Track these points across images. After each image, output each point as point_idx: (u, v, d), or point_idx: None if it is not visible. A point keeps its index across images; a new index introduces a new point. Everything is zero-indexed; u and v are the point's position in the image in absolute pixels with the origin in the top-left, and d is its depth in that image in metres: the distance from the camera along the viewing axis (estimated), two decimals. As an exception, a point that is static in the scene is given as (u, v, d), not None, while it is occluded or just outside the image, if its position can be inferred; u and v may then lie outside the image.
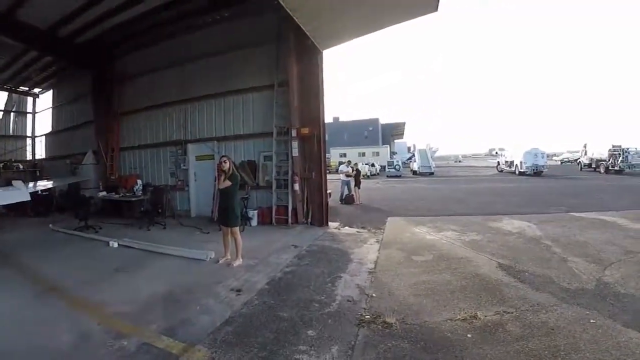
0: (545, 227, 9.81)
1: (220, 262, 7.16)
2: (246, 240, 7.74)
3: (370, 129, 73.94)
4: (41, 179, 17.99)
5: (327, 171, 11.85)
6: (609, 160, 34.89)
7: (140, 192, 13.51)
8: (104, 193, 14.39)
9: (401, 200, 17.15)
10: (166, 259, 7.54)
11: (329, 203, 15.79)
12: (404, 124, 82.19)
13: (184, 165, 13.98)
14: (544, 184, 25.53)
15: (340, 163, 21.52)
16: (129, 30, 13.33)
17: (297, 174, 10.51)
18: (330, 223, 10.63)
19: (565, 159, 58.51)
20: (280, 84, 10.92)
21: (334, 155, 53.67)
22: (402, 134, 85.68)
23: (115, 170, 15.50)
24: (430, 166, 41.30)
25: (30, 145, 22.68)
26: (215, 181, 12.41)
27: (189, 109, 13.72)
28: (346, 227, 10.45)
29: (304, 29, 8.99)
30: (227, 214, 7.20)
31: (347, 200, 16.40)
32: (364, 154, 55.81)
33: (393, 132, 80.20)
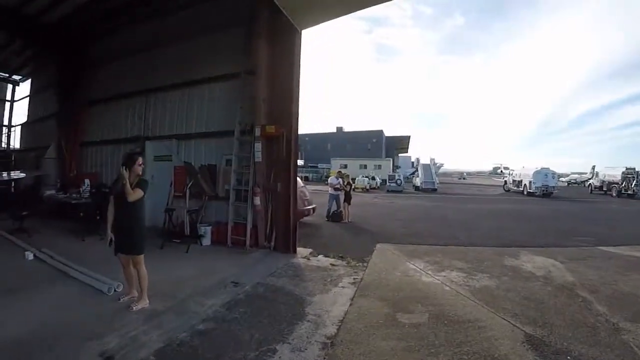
0: (576, 267, 7.79)
1: (122, 300, 5.17)
2: (177, 267, 6.73)
3: (374, 140, 72.65)
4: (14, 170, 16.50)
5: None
6: (622, 183, 33.65)
7: (88, 193, 11.46)
8: (53, 192, 12.71)
9: (398, 221, 14.78)
10: (70, 284, 5.85)
11: (312, 219, 13.81)
12: (408, 137, 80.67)
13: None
14: (557, 207, 23.57)
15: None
16: (97, 11, 11.69)
17: (258, 184, 8.21)
18: (299, 249, 8.29)
19: (572, 180, 57.19)
20: (248, 72, 8.67)
21: (334, 166, 52.71)
22: (407, 147, 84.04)
23: (74, 167, 13.76)
24: (433, 182, 39.29)
25: (6, 135, 21.17)
26: (170, 186, 10.27)
27: (150, 100, 11.67)
28: (319, 256, 8.09)
29: (277, 3, 7.17)
30: (131, 237, 5.01)
31: (335, 217, 14.03)
32: (365, 166, 54.71)
33: (397, 145, 78.75)
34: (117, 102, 12.61)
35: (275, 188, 8.14)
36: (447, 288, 6.22)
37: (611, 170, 36.44)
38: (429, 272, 7.10)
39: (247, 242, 8.24)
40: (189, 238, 8.76)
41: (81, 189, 11.60)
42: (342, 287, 6.10)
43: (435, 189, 38.53)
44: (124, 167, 4.79)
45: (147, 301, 4.97)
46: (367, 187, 37.44)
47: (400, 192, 36.48)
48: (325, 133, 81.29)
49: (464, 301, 5.62)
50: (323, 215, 14.30)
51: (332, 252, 8.43)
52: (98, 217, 10.37)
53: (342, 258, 7.93)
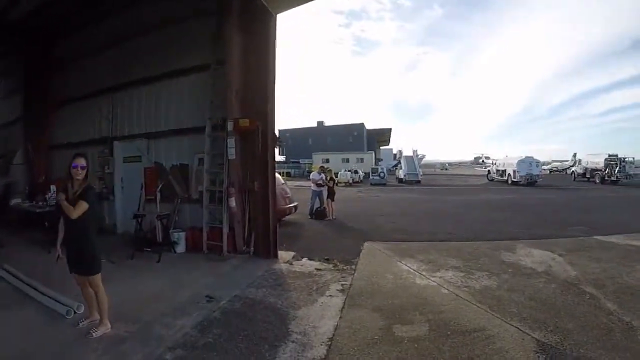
0: (576, 260, 7.36)
1: (82, 325, 4.39)
2: (147, 280, 6.09)
3: (355, 134, 72.30)
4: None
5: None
6: (605, 170, 33.63)
7: (54, 201, 10.64)
8: (19, 200, 11.72)
9: (385, 215, 14.19)
10: (28, 305, 5.04)
11: (295, 217, 13.15)
12: (389, 130, 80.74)
13: (109, 169, 11.02)
14: (544, 195, 23.43)
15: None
16: (61, 7, 10.62)
17: (233, 184, 7.51)
18: (281, 253, 7.64)
19: (554, 168, 57.56)
20: (219, 62, 7.94)
21: (316, 161, 52.26)
22: (388, 140, 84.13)
23: (42, 173, 12.68)
24: (417, 174, 38.91)
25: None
26: (141, 189, 9.51)
27: (118, 98, 10.79)
28: (303, 260, 7.45)
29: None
30: (81, 257, 4.25)
31: (318, 214, 13.38)
32: (347, 160, 54.11)
33: (379, 138, 78.72)
34: (85, 102, 11.68)
35: (251, 187, 7.45)
36: (445, 291, 5.66)
37: (594, 157, 36.48)
38: (424, 272, 6.53)
39: (224, 248, 7.55)
40: (162, 245, 8.02)
41: (47, 196, 10.74)
42: (329, 296, 5.48)
43: (419, 181, 38.17)
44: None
45: (109, 326, 4.27)
46: (350, 181, 36.85)
47: (384, 185, 36.00)
48: (306, 128, 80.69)
49: (465, 306, 5.06)
50: (306, 213, 13.67)
51: (317, 255, 7.81)
52: None
53: (328, 261, 7.31)
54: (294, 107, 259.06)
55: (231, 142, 7.33)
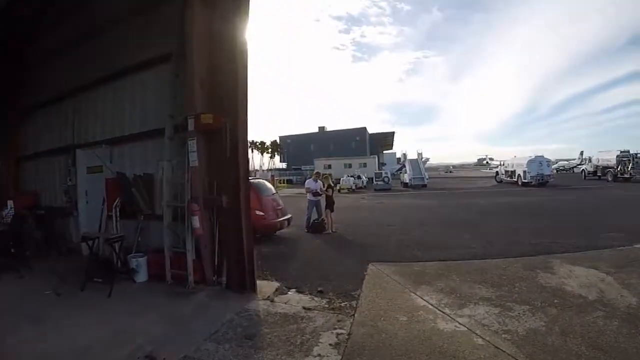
0: (629, 279, 5.98)
1: None
2: (84, 324, 4.76)
3: (358, 138, 71.39)
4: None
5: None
6: (618, 167, 32.29)
7: (10, 218, 9.34)
8: None
9: (392, 227, 12.52)
10: None
11: (289, 231, 11.55)
12: (392, 134, 79.70)
13: (71, 181, 9.58)
14: (559, 197, 21.93)
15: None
16: (22, 10, 9.50)
17: (196, 199, 5.90)
18: (262, 284, 6.01)
19: (561, 167, 56.13)
20: (181, 47, 6.37)
21: (317, 167, 51.03)
22: (391, 144, 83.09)
23: (11, 187, 11.33)
24: (423, 178, 37.41)
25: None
26: (103, 204, 8.05)
27: (80, 101, 9.36)
28: (290, 293, 5.81)
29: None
30: None
31: (315, 227, 11.71)
32: (350, 165, 53.11)
33: (382, 142, 77.73)
34: (50, 108, 10.38)
35: (219, 202, 5.83)
36: (480, 341, 4.05)
37: (605, 154, 35.03)
38: (447, 310, 4.91)
39: (189, 279, 5.94)
40: (117, 274, 6.48)
41: (3, 213, 9.38)
42: (318, 356, 3.85)
43: (425, 185, 36.68)
44: None
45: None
46: (353, 187, 35.25)
47: (389, 190, 34.56)
48: (308, 133, 79.87)
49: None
50: (302, 225, 12.05)
51: (309, 283, 6.23)
52: (12, 250, 8.27)
53: (321, 294, 5.69)
54: (295, 114, 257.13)
55: (192, 144, 5.75)
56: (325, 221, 11.79)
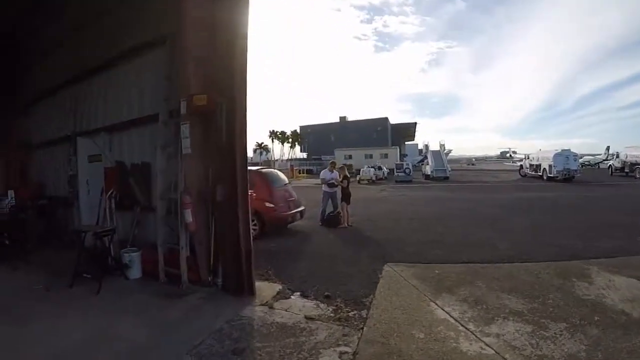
0: None
1: None
2: (65, 325, 4.40)
3: (379, 129, 70.28)
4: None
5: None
6: None
7: (7, 209, 9.02)
8: None
9: (411, 221, 11.80)
10: None
11: (302, 223, 10.93)
12: (415, 124, 78.35)
13: (71, 170, 9.09)
14: (587, 193, 20.64)
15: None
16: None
17: (189, 190, 5.30)
18: (262, 286, 5.42)
19: (586, 162, 54.23)
20: (176, 24, 5.75)
21: (338, 157, 50.40)
22: (413, 135, 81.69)
23: (18, 177, 11.08)
24: (445, 170, 36.35)
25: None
26: (101, 195, 7.57)
27: (82, 88, 8.89)
28: (292, 298, 5.17)
29: None
30: None
31: (330, 221, 11.03)
32: (371, 156, 52.34)
33: (403, 133, 76.52)
34: (54, 96, 10.00)
35: (214, 195, 5.22)
36: (512, 367, 3.34)
37: (634, 150, 33.19)
38: (471, 326, 4.21)
39: (183, 278, 5.38)
40: (107, 271, 6.02)
41: (3, 203, 9.04)
42: (316, 383, 3.22)
43: (447, 177, 35.61)
44: None
45: None
46: (373, 179, 34.36)
47: (410, 182, 33.61)
48: (329, 123, 79.09)
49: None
50: (316, 218, 11.41)
51: (316, 286, 5.58)
52: (7, 242, 8.08)
53: (328, 299, 5.04)
54: (316, 104, 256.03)
55: (185, 129, 5.14)
56: (341, 214, 11.10)
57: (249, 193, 6.88)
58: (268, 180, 9.99)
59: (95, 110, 8.48)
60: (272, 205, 9.37)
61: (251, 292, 5.04)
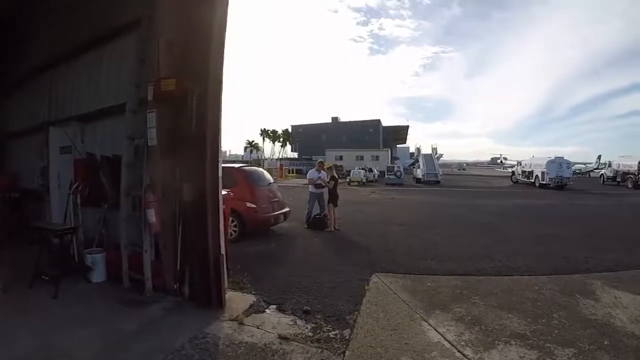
0: None
1: None
2: (8, 334, 3.84)
3: (371, 130, 70.15)
4: None
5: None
6: (639, 174, 30.16)
7: None
8: None
9: (402, 226, 11.25)
10: None
11: (287, 225, 10.35)
12: (407, 127, 78.56)
13: (43, 162, 8.46)
14: (582, 201, 20.40)
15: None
16: None
17: (154, 187, 4.71)
18: (233, 297, 4.82)
19: (577, 170, 54.34)
20: (153, 11, 5.16)
21: (329, 158, 50.05)
22: (405, 138, 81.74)
23: None
24: (436, 174, 36.16)
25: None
26: (70, 188, 6.93)
27: (55, 74, 8.24)
28: (267, 312, 4.58)
29: None
30: None
31: (316, 223, 10.47)
32: (362, 158, 52.26)
33: (395, 135, 76.45)
34: (31, 84, 9.32)
35: (180, 193, 4.62)
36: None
37: (626, 159, 33.00)
38: (468, 351, 3.68)
39: (147, 286, 4.80)
40: (76, 271, 5.47)
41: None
42: None
43: (439, 181, 35.47)
44: None
45: None
46: (364, 180, 33.95)
47: (401, 184, 33.31)
48: (320, 123, 78.69)
49: None
50: (303, 219, 10.85)
51: (294, 299, 5.00)
52: None
53: (307, 315, 4.47)
54: (309, 103, 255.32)
55: (151, 118, 4.54)
56: (328, 217, 10.52)
57: (226, 192, 6.34)
58: (250, 179, 9.36)
59: (69, 98, 7.85)
60: (253, 206, 8.74)
61: (220, 304, 4.45)
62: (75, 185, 6.39)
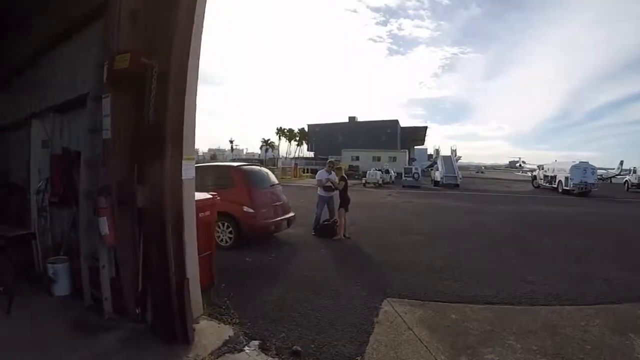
0: None
1: None
2: None
3: (389, 131, 69.10)
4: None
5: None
6: None
7: None
8: None
9: (419, 236, 10.17)
10: None
11: (293, 232, 9.39)
12: (425, 128, 77.27)
13: (25, 157, 7.77)
14: (611, 210, 19.14)
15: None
16: None
17: (108, 189, 3.81)
18: (205, 328, 3.90)
19: (598, 176, 52.55)
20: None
21: (345, 158, 49.18)
22: (423, 140, 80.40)
23: None
24: (456, 177, 34.78)
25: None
26: (45, 187, 6.16)
27: (40, 63, 7.54)
28: (246, 351, 3.60)
29: None
30: None
31: (324, 230, 9.48)
32: (379, 159, 51.28)
33: (413, 137, 75.18)
34: (23, 74, 8.29)
35: (130, 196, 3.68)
36: None
37: None
38: None
39: (106, 307, 3.92)
40: (39, 281, 4.69)
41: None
42: None
43: (458, 185, 33.96)
44: None
45: None
46: (380, 182, 32.77)
47: (418, 187, 32.11)
48: (337, 123, 77.85)
49: None
50: (310, 223, 9.93)
51: (283, 333, 4.04)
52: None
53: (296, 357, 3.53)
54: (326, 103, 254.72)
55: (105, 104, 3.64)
56: (337, 223, 9.52)
57: (210, 195, 5.43)
58: (249, 180, 8.37)
59: (51, 87, 7.07)
60: (251, 211, 7.75)
61: (186, 339, 3.50)
62: (39, 184, 5.56)
